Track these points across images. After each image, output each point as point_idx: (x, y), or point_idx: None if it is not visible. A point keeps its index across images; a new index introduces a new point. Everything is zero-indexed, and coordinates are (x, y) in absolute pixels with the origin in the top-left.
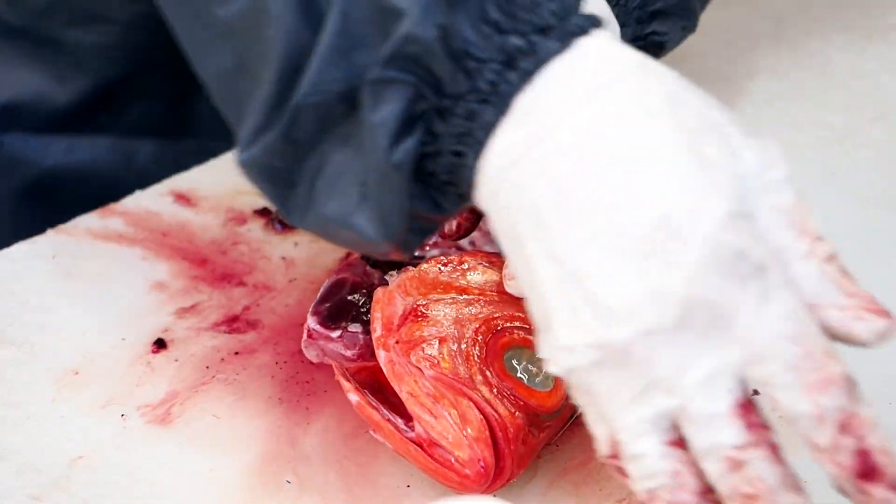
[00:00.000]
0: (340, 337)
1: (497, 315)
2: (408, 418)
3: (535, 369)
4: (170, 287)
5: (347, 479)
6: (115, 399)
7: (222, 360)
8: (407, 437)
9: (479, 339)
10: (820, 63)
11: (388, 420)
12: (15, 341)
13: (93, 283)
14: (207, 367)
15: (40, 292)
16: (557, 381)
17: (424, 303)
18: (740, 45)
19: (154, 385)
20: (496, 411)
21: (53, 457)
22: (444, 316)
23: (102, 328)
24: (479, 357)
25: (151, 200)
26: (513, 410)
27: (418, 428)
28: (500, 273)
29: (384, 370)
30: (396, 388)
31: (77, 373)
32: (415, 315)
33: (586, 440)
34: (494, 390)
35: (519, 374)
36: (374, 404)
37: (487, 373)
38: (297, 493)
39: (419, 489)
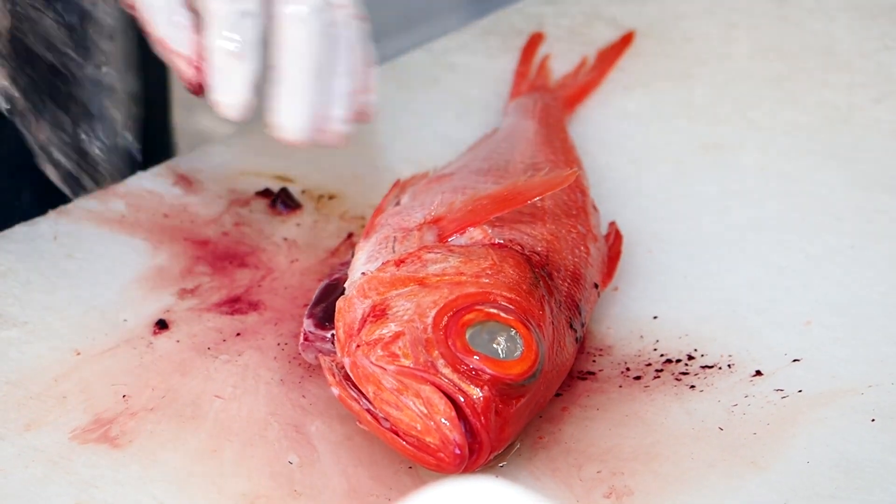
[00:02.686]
0: (334, 337)
1: (455, 296)
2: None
3: (500, 340)
4: (171, 268)
5: (349, 460)
6: (117, 379)
7: (224, 340)
8: (385, 428)
9: (439, 323)
10: (823, 43)
11: (368, 411)
12: (17, 322)
13: (94, 265)
14: (209, 349)
15: (42, 273)
16: (526, 348)
17: (382, 301)
18: (743, 25)
19: (156, 365)
20: (461, 389)
21: (54, 436)
22: (404, 309)
23: (104, 309)
24: (439, 340)
25: (152, 182)
26: (480, 385)
27: (390, 422)
28: (459, 258)
29: (351, 376)
30: (364, 389)
31: (78, 353)
32: (374, 315)
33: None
34: (460, 369)
35: (483, 348)
36: (355, 396)
37: (449, 354)
38: (300, 473)
39: (421, 469)
